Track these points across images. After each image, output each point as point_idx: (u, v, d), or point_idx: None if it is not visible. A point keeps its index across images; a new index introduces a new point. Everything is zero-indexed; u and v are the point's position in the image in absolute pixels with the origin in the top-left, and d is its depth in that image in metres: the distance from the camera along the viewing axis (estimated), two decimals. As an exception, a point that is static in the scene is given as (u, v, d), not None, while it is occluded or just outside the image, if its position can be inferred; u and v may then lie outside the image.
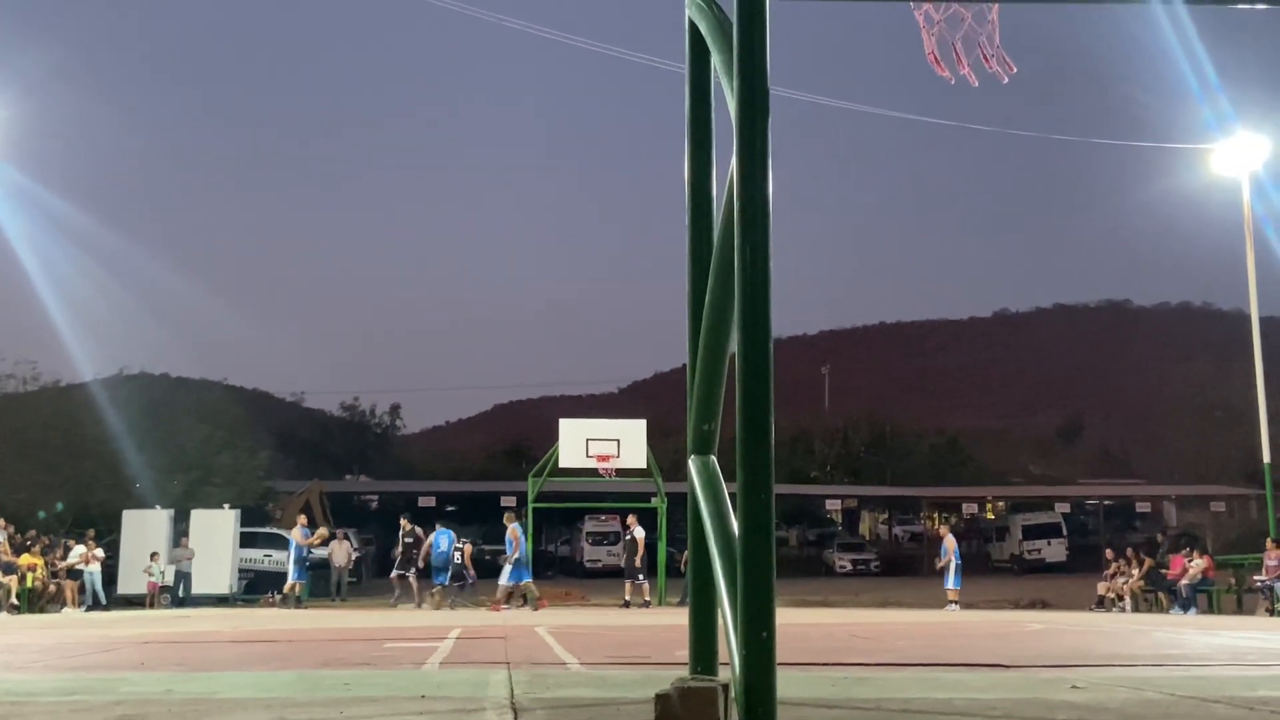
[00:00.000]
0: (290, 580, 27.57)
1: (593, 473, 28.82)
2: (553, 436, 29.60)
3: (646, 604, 26.51)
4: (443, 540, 26.74)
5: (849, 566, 51.33)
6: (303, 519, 29.46)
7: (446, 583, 26.51)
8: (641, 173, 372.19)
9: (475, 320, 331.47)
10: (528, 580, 25.62)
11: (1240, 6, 4.10)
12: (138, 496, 35.29)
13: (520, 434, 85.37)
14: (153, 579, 29.40)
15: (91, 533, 29.98)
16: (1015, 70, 4.34)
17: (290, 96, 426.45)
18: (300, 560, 27.77)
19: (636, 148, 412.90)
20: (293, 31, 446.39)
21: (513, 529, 25.50)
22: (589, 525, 51.58)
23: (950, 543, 27.97)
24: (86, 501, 35.65)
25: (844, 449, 70.73)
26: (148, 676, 7.15)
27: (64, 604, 27.29)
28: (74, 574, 28.08)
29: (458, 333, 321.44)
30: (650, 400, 78.94)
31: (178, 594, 29.34)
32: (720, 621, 3.56)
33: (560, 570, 51.66)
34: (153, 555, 29.57)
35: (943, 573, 27.73)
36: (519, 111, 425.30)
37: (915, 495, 62.10)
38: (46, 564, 27.91)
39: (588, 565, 49.67)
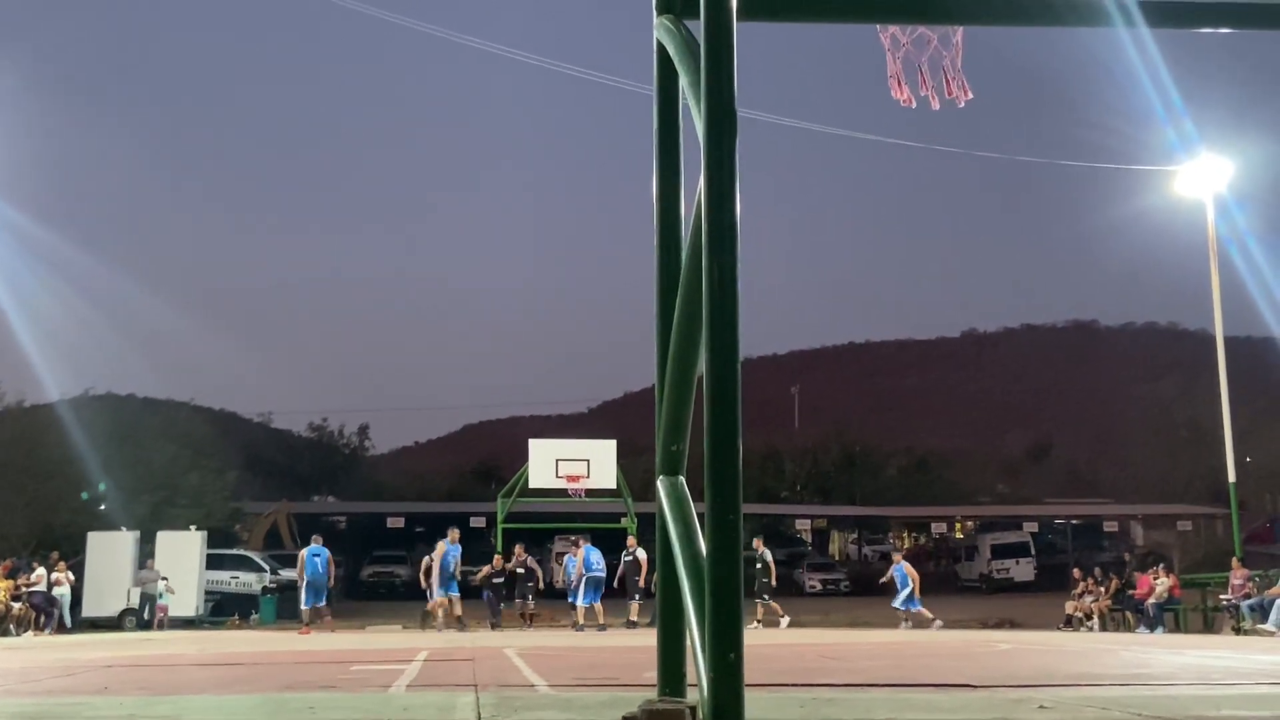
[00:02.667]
0: (436, 597, 25.98)
1: (562, 493, 28.79)
2: (522, 457, 29.55)
3: (633, 624, 26.12)
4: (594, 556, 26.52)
5: (819, 586, 51.32)
6: (455, 533, 26.91)
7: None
8: (611, 192, 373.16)
9: (444, 340, 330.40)
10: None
11: (1204, 30, 4.15)
12: (103, 518, 34.97)
13: (489, 454, 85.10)
14: (163, 601, 29.33)
15: (56, 555, 29.67)
16: (971, 96, 4.36)
17: (259, 116, 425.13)
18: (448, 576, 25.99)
19: (606, 167, 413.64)
20: (264, 52, 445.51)
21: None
22: (559, 546, 51.39)
23: (909, 570, 27.54)
24: (50, 523, 35.29)
25: (814, 469, 70.83)
26: (111, 701, 7.07)
27: (27, 627, 26.98)
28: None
29: (426, 353, 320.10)
30: (620, 420, 78.83)
31: (143, 616, 29.07)
32: (688, 643, 3.55)
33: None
34: (163, 578, 29.46)
35: (897, 594, 27.31)
36: (486, 132, 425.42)
37: (885, 515, 62.25)
38: (17, 586, 27.61)
39: (558, 586, 49.48)
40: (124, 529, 32.26)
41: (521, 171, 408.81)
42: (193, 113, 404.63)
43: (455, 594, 26.08)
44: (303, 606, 25.76)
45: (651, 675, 4.30)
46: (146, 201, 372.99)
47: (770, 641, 16.95)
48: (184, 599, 30.37)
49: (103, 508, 36.29)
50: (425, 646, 15.20)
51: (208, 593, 32.44)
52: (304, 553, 26.07)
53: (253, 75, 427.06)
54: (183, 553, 30.94)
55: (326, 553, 26.16)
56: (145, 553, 30.65)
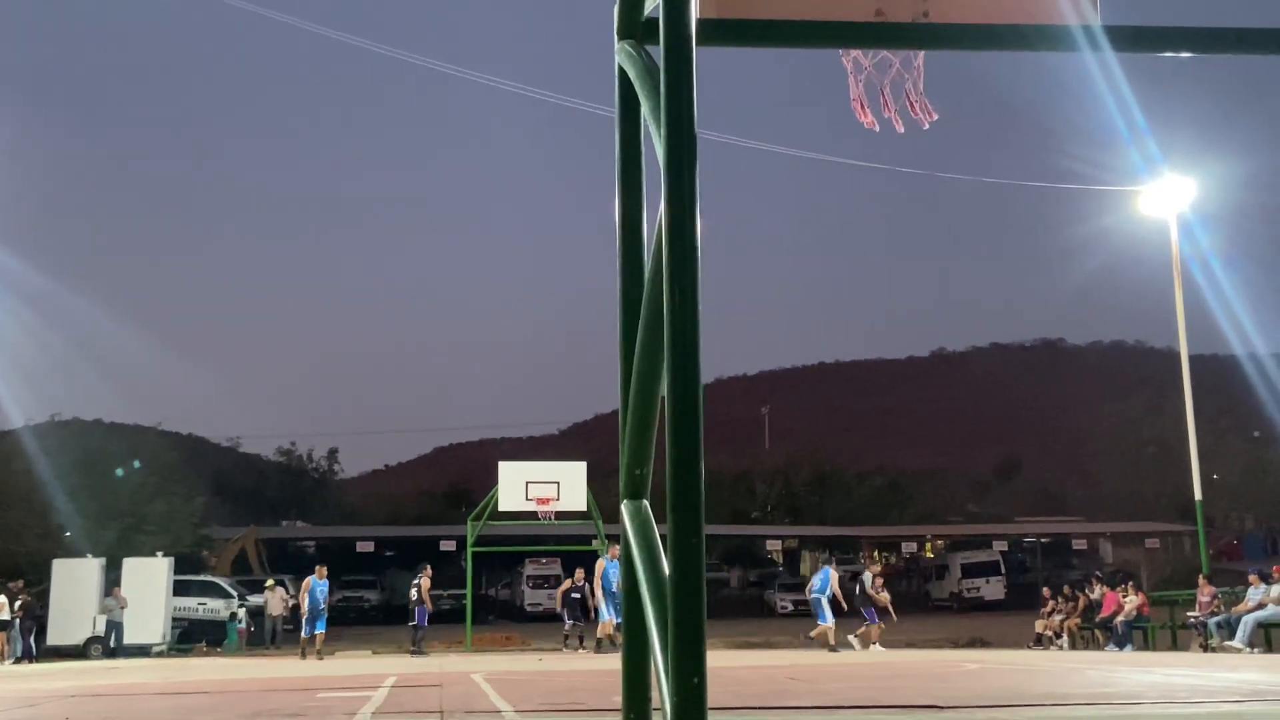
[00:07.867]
0: (606, 618, 25.27)
1: (533, 516, 28.68)
2: (493, 479, 29.43)
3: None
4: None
5: (790, 607, 51.26)
6: (615, 549, 25.45)
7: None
8: (583, 215, 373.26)
9: (414, 362, 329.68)
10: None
11: (1166, 55, 4.19)
12: (68, 545, 34.63)
13: (460, 477, 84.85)
14: (241, 625, 29.72)
15: (21, 583, 29.34)
16: (936, 118, 4.39)
17: (226, 137, 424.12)
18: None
19: (574, 190, 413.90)
20: (229, 72, 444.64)
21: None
22: (529, 569, 51.29)
23: (833, 574, 27.02)
24: (14, 550, 34.90)
25: (785, 489, 70.88)
26: (72, 731, 6.98)
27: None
28: (2, 625, 27.49)
29: (396, 375, 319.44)
30: (591, 442, 78.94)
31: (109, 644, 28.77)
32: (653, 667, 3.53)
33: (500, 614, 51.27)
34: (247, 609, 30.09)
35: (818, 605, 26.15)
36: (455, 156, 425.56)
37: (856, 535, 62.33)
38: None
39: (528, 609, 49.39)
40: (89, 556, 31.94)
41: (492, 196, 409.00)
42: (159, 136, 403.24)
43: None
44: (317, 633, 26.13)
45: (619, 699, 4.28)
46: (111, 224, 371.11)
47: (737, 664, 16.91)
48: (150, 626, 30.08)
49: (68, 535, 35.95)
50: (393, 672, 15.10)
51: (174, 619, 32.13)
52: (309, 580, 26.60)
53: (222, 98, 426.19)
54: (149, 579, 30.65)
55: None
56: (111, 580, 30.35)
